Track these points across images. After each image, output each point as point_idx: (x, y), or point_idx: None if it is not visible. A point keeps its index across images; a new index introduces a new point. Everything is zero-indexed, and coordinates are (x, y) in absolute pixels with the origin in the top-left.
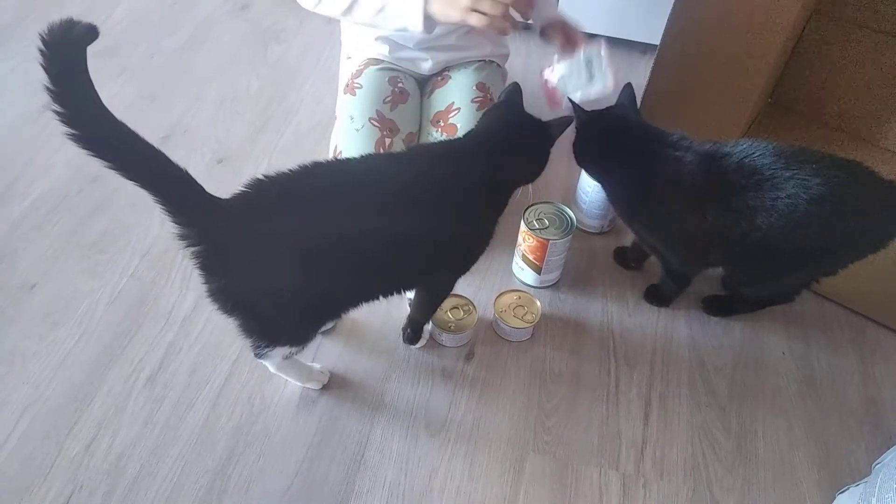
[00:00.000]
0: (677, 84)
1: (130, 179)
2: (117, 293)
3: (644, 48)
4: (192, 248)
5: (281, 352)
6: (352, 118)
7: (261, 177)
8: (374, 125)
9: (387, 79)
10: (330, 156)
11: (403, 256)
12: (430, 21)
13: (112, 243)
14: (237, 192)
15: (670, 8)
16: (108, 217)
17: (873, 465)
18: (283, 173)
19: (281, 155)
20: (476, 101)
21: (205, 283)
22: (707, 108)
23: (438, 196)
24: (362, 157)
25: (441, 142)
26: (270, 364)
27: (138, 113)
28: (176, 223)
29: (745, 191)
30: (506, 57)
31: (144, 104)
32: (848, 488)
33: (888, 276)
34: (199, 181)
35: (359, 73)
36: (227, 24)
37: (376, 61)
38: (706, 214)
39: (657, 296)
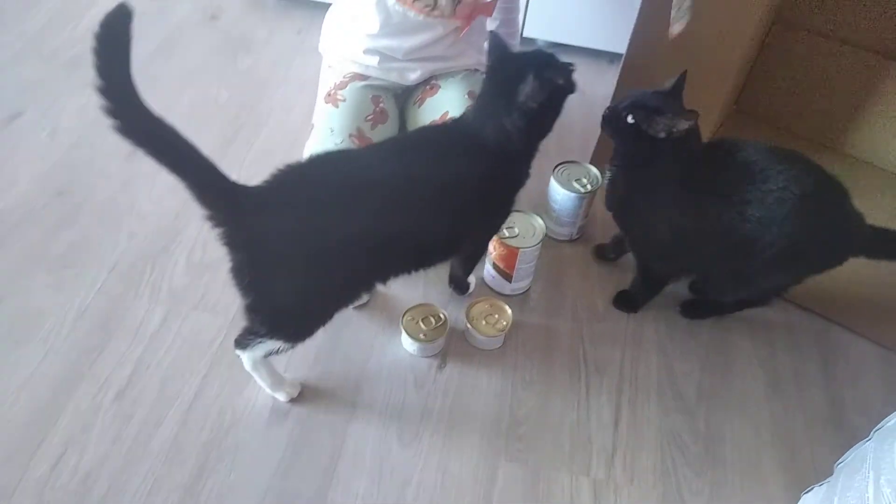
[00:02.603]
0: None
1: (164, 167)
2: (84, 309)
3: (611, 57)
4: (217, 229)
5: (269, 346)
6: (332, 130)
7: (288, 164)
8: (354, 142)
9: (370, 96)
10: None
11: (432, 236)
12: None
13: (78, 258)
14: (265, 179)
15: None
16: (75, 231)
17: (836, 464)
18: (310, 159)
19: (251, 165)
20: None
21: (229, 260)
22: None
23: (462, 169)
24: (384, 141)
25: (453, 121)
26: (248, 358)
27: (106, 123)
28: (201, 206)
29: (739, 183)
30: None
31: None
32: (812, 488)
33: (850, 280)
34: (168, 193)
35: (343, 85)
36: (196, 34)
37: (361, 77)
38: (707, 208)
39: (627, 301)
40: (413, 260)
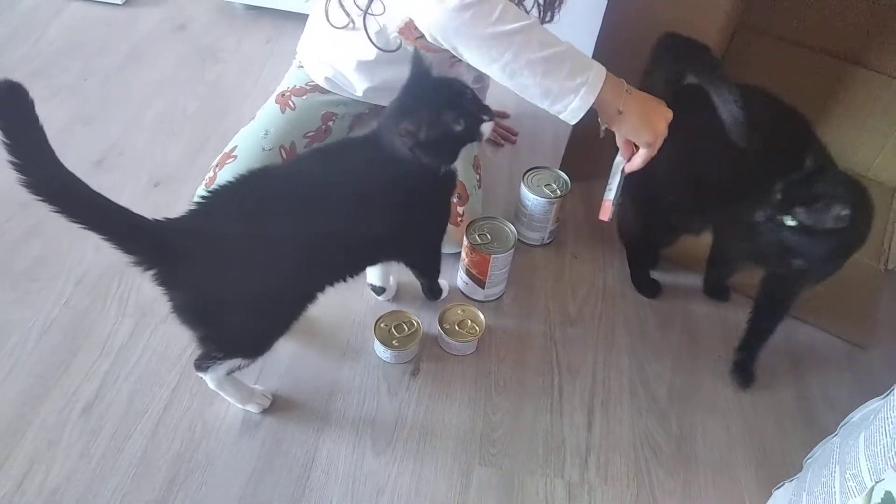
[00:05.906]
0: None
1: (78, 223)
2: (50, 322)
3: None
4: (148, 272)
5: (229, 365)
6: (267, 133)
7: (205, 193)
8: (282, 154)
9: (322, 112)
10: (226, 149)
11: (359, 242)
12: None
13: (44, 271)
14: (187, 209)
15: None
16: (41, 244)
17: (804, 460)
18: (228, 183)
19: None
20: None
21: (168, 301)
22: None
23: (384, 176)
24: (299, 157)
25: (372, 132)
26: (211, 379)
27: (72, 136)
28: (126, 254)
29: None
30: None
31: (78, 127)
32: (783, 484)
33: None
34: (134, 204)
35: (301, 92)
36: (163, 45)
37: (323, 90)
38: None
39: (744, 371)
40: (354, 262)
